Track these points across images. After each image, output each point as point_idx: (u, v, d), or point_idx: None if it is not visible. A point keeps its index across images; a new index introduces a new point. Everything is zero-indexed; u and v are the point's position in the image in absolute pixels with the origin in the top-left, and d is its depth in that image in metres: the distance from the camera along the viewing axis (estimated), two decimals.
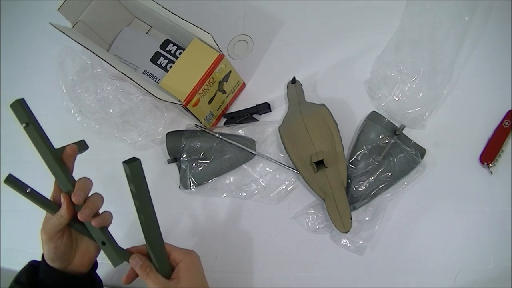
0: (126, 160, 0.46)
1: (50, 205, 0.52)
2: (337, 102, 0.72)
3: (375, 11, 0.77)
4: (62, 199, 0.50)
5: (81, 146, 0.56)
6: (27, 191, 0.52)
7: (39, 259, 0.56)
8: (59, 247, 0.52)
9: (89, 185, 0.52)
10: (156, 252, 0.51)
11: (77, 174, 0.52)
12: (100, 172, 0.82)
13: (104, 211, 0.53)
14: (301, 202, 0.70)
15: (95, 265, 0.59)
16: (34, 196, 0.52)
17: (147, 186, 0.47)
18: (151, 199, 0.48)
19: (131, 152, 0.81)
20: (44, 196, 0.52)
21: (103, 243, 0.52)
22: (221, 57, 0.67)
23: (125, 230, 0.77)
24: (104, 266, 0.77)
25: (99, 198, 0.52)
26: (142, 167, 0.46)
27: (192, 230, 0.75)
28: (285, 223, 0.70)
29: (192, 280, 0.51)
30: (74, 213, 0.51)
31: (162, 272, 0.51)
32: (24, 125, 0.49)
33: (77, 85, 0.79)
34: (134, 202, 0.47)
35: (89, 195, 0.52)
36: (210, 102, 0.72)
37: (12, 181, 0.51)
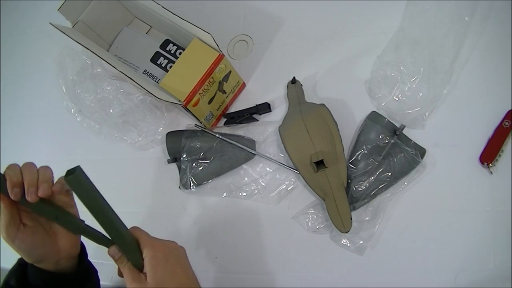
0: (68, 171, 0.42)
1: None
2: (337, 102, 0.72)
3: (375, 11, 0.77)
4: None
5: None
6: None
7: None
8: (25, 241, 0.46)
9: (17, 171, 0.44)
10: (121, 243, 0.48)
11: None
12: (100, 172, 0.81)
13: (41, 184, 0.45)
14: (301, 202, 0.70)
15: (84, 252, 0.53)
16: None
17: (94, 189, 0.44)
18: (100, 199, 0.45)
19: (131, 152, 0.81)
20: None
21: (57, 218, 0.47)
22: (221, 57, 0.67)
23: None
24: (103, 266, 0.77)
25: (31, 170, 0.44)
26: (83, 175, 0.43)
27: (192, 230, 0.75)
28: (285, 223, 0.70)
29: (159, 277, 0.47)
30: (11, 201, 0.45)
31: (135, 264, 0.48)
32: None
33: (77, 85, 0.80)
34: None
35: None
36: (210, 102, 0.72)
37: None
